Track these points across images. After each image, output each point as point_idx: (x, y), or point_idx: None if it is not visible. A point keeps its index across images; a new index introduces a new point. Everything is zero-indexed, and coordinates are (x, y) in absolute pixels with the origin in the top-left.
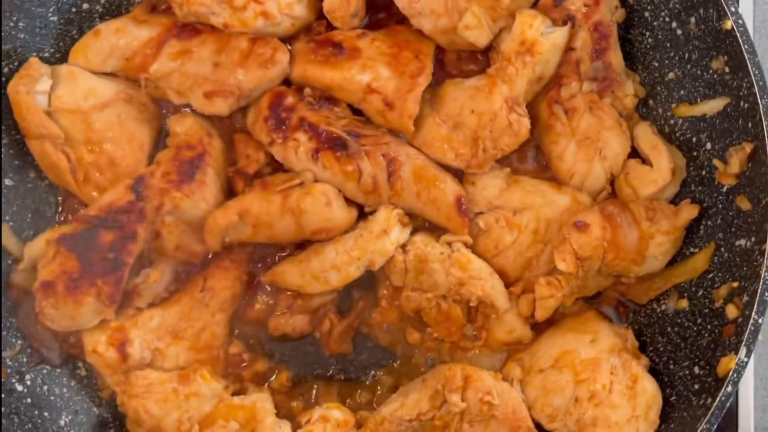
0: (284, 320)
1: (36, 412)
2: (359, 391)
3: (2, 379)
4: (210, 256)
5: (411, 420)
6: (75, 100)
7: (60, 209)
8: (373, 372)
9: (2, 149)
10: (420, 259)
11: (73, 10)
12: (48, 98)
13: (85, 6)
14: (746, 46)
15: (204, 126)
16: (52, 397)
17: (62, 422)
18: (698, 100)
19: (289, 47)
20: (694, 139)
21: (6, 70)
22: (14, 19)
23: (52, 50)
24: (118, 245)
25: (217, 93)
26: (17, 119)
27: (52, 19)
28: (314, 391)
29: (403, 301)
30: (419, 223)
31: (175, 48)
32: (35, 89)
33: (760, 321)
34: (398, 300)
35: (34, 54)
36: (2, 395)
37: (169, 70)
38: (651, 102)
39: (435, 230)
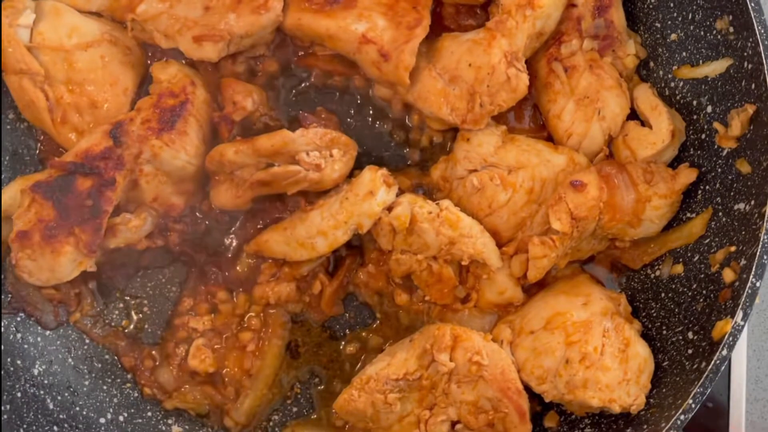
0: (269, 288)
1: (8, 360)
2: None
3: None
4: None
5: (398, 379)
6: (58, 37)
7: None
8: (357, 331)
9: None
10: (409, 219)
11: None
12: (30, 33)
13: None
14: (752, 4)
15: (188, 74)
16: (26, 346)
17: (36, 371)
18: (700, 61)
19: None
20: (694, 102)
21: None
22: None
23: None
24: (96, 192)
25: (206, 37)
26: None
27: None
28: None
29: (393, 265)
30: (406, 185)
31: None
32: (18, 22)
33: (757, 284)
34: (387, 264)
35: None
36: None
37: (157, 11)
38: (652, 64)
39: (422, 191)
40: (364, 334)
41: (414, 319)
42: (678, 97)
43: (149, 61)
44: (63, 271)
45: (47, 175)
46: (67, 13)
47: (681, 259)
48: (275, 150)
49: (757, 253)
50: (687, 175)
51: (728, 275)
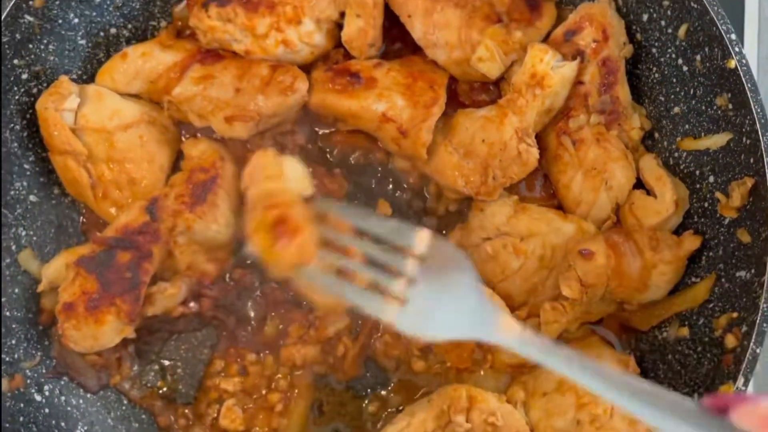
0: (295, 350)
1: (53, 422)
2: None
3: (22, 390)
4: None
5: None
6: (100, 119)
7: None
8: (378, 391)
9: (29, 166)
10: None
11: (101, 34)
12: (74, 116)
13: (113, 31)
14: (749, 85)
15: (217, 150)
16: (69, 408)
17: None
18: (702, 134)
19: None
20: (697, 172)
21: (35, 90)
22: (45, 41)
23: (79, 72)
24: (134, 264)
25: (237, 117)
26: (43, 134)
27: (80, 42)
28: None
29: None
30: None
31: (198, 73)
32: (63, 107)
33: (758, 351)
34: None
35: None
36: (21, 405)
37: (192, 93)
38: (656, 135)
39: None
40: (384, 393)
41: (430, 380)
42: (682, 167)
43: (183, 138)
44: (106, 339)
45: (90, 249)
46: (108, 96)
47: (687, 322)
48: None
49: (757, 322)
50: (691, 242)
51: (730, 341)
